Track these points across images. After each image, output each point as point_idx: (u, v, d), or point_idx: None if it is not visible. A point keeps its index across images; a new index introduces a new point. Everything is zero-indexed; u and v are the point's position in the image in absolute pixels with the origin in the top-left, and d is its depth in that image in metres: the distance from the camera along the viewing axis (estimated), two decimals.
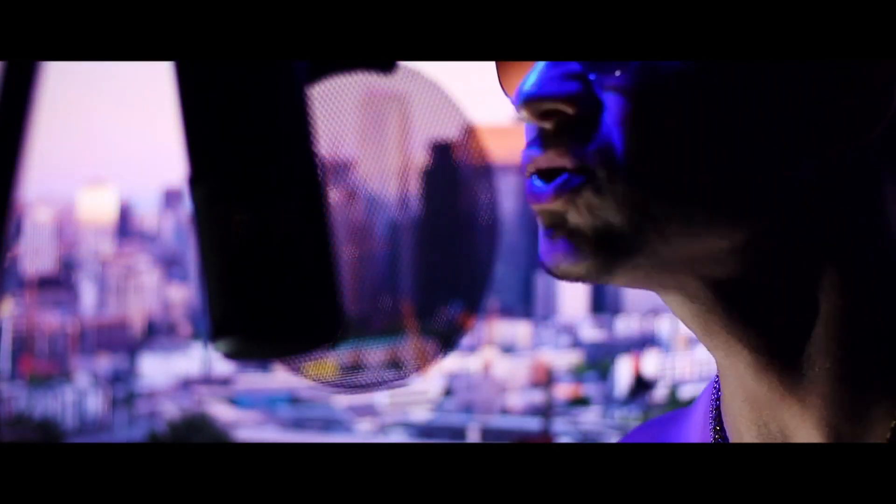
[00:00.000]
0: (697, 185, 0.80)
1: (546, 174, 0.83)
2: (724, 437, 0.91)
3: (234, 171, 0.53)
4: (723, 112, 0.80)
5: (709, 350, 0.87)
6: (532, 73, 0.83)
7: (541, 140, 0.83)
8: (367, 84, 0.74)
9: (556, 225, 0.83)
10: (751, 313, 0.82)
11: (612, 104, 0.81)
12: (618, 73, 0.81)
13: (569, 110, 0.82)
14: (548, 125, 0.83)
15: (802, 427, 0.84)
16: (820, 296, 0.82)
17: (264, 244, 0.53)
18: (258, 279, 0.53)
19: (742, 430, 0.88)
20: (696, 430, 0.96)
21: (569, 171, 0.82)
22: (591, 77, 0.82)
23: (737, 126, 0.81)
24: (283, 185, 0.53)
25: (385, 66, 0.65)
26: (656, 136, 0.80)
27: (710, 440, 0.92)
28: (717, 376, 0.92)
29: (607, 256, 0.81)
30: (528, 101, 0.82)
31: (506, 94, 0.89)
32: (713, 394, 0.94)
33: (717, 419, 0.91)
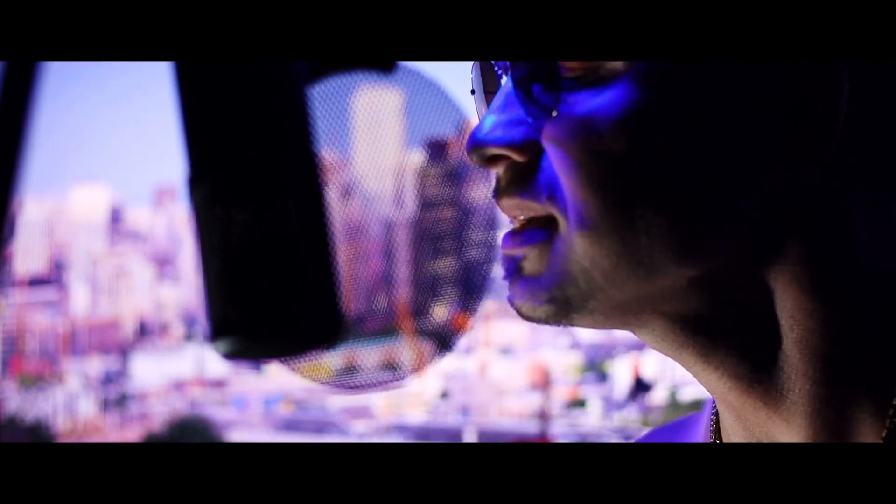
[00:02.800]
0: (645, 227, 0.80)
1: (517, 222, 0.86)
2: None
3: (233, 171, 0.53)
4: (671, 148, 0.80)
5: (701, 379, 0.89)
6: (482, 120, 0.86)
7: (497, 188, 0.86)
8: (366, 84, 0.81)
9: (514, 269, 0.86)
10: (721, 345, 0.83)
11: (552, 153, 0.82)
12: (554, 117, 0.81)
13: (515, 157, 0.84)
14: (497, 170, 0.85)
15: (787, 434, 0.85)
16: (788, 320, 0.83)
17: (264, 244, 0.53)
18: (257, 279, 0.53)
19: (736, 441, 0.90)
20: (701, 438, 0.98)
21: (535, 223, 0.83)
22: (533, 124, 0.83)
23: (685, 161, 0.80)
24: (283, 186, 0.54)
25: (385, 66, 0.66)
26: (597, 184, 0.80)
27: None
28: None
29: (560, 303, 0.83)
30: (474, 147, 0.85)
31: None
32: (713, 404, 0.96)
33: (716, 429, 0.94)
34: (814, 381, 0.82)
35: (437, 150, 0.89)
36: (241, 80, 0.54)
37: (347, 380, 0.88)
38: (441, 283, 0.93)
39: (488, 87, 0.89)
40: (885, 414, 0.83)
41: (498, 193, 0.85)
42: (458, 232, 0.89)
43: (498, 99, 0.85)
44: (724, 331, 0.83)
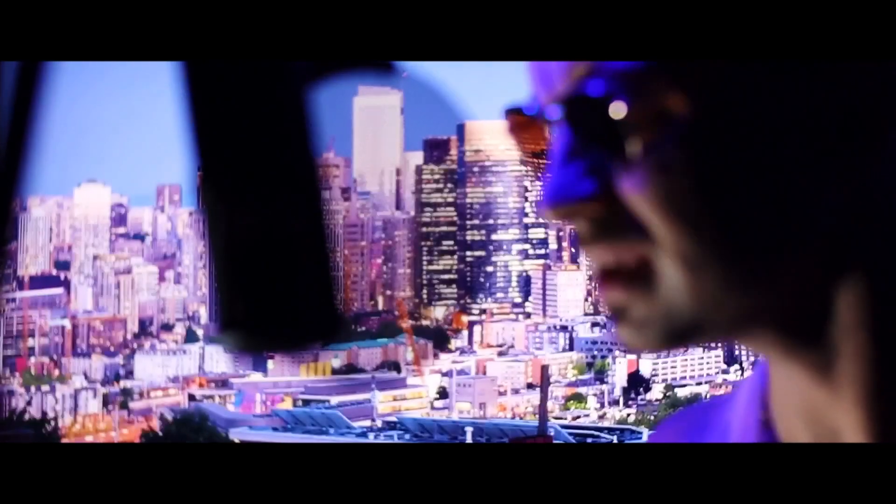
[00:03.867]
0: (742, 248, 0.81)
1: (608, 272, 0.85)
2: (771, 427, 0.93)
3: (236, 171, 0.55)
4: (741, 169, 0.80)
5: (768, 361, 0.91)
6: (549, 177, 0.84)
7: (580, 238, 0.84)
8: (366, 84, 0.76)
9: (621, 313, 0.85)
10: (810, 340, 0.85)
11: (633, 198, 0.81)
12: (628, 162, 0.80)
13: (591, 210, 0.83)
14: (581, 225, 0.84)
15: (854, 427, 0.86)
16: (856, 308, 0.84)
17: (265, 243, 0.55)
18: (260, 277, 0.55)
19: (794, 425, 0.90)
20: (737, 417, 0.97)
21: (626, 266, 0.83)
22: (604, 167, 0.82)
23: (760, 178, 0.80)
24: (285, 186, 0.55)
25: (385, 66, 0.66)
26: (684, 218, 0.80)
27: (754, 427, 0.94)
28: (766, 370, 0.95)
29: (672, 336, 0.83)
30: (550, 207, 0.83)
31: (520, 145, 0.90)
32: (760, 385, 0.95)
33: (765, 408, 0.93)
34: (873, 364, 0.84)
35: (434, 148, 1.05)
36: (242, 80, 0.55)
37: (347, 376, 1.07)
38: (441, 282, 1.12)
39: (532, 143, 0.89)
40: None
41: (584, 243, 0.84)
42: (457, 232, 1.09)
43: (560, 153, 0.83)
44: (815, 327, 0.85)
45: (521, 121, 0.87)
